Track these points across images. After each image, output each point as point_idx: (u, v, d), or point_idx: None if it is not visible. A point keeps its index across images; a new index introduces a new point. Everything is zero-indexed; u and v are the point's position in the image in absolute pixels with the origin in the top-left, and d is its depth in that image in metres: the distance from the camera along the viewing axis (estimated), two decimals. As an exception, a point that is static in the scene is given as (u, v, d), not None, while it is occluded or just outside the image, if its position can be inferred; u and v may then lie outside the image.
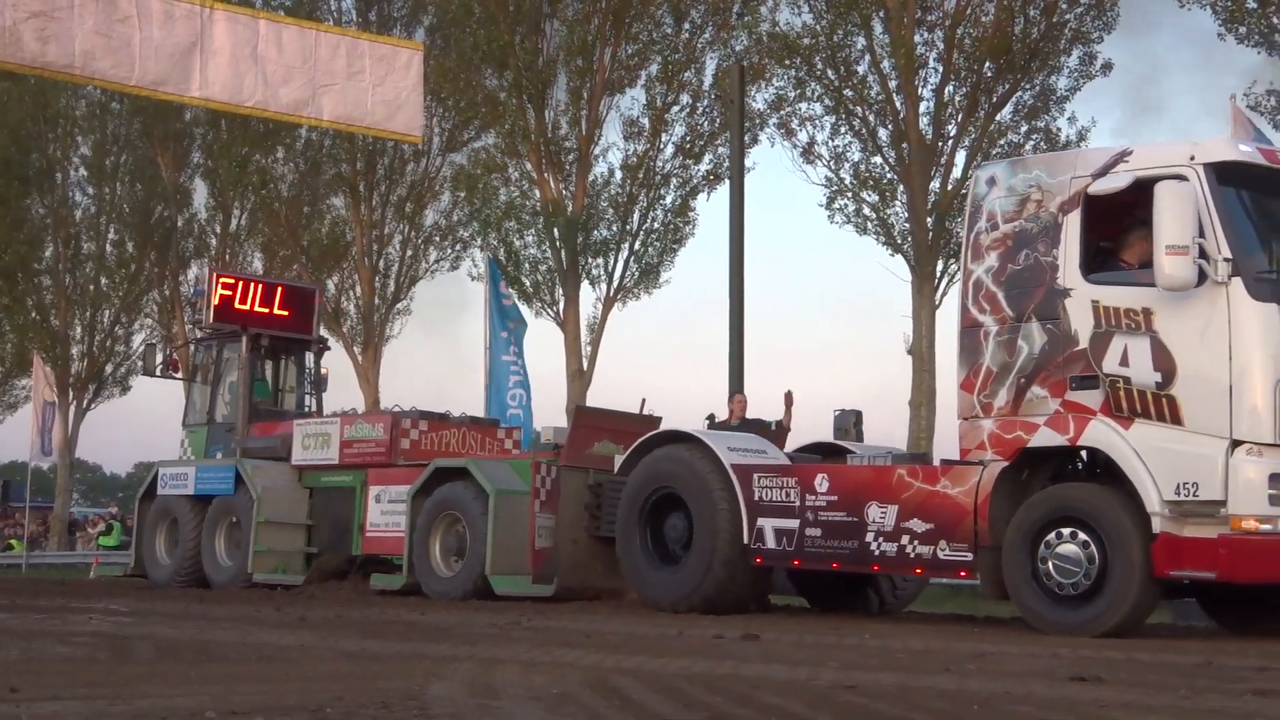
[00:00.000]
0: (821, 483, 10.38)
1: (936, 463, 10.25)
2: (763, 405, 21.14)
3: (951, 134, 22.76)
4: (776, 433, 13.28)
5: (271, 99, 13.28)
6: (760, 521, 10.66)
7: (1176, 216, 8.46)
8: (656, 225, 26.83)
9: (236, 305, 16.98)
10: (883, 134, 23.02)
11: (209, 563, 15.91)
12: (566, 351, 26.30)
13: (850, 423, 13.18)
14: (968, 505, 9.50)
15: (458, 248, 31.14)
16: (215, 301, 16.90)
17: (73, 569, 26.82)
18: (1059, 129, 22.90)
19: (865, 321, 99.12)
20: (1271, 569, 8.43)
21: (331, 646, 7.82)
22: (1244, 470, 8.38)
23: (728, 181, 20.94)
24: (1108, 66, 22.74)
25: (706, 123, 26.40)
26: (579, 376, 26.08)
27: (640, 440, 11.66)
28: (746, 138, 22.19)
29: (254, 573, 15.19)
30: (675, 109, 26.31)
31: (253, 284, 17.49)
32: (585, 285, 26.57)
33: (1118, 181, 9.08)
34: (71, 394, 35.19)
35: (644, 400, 13.70)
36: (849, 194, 23.29)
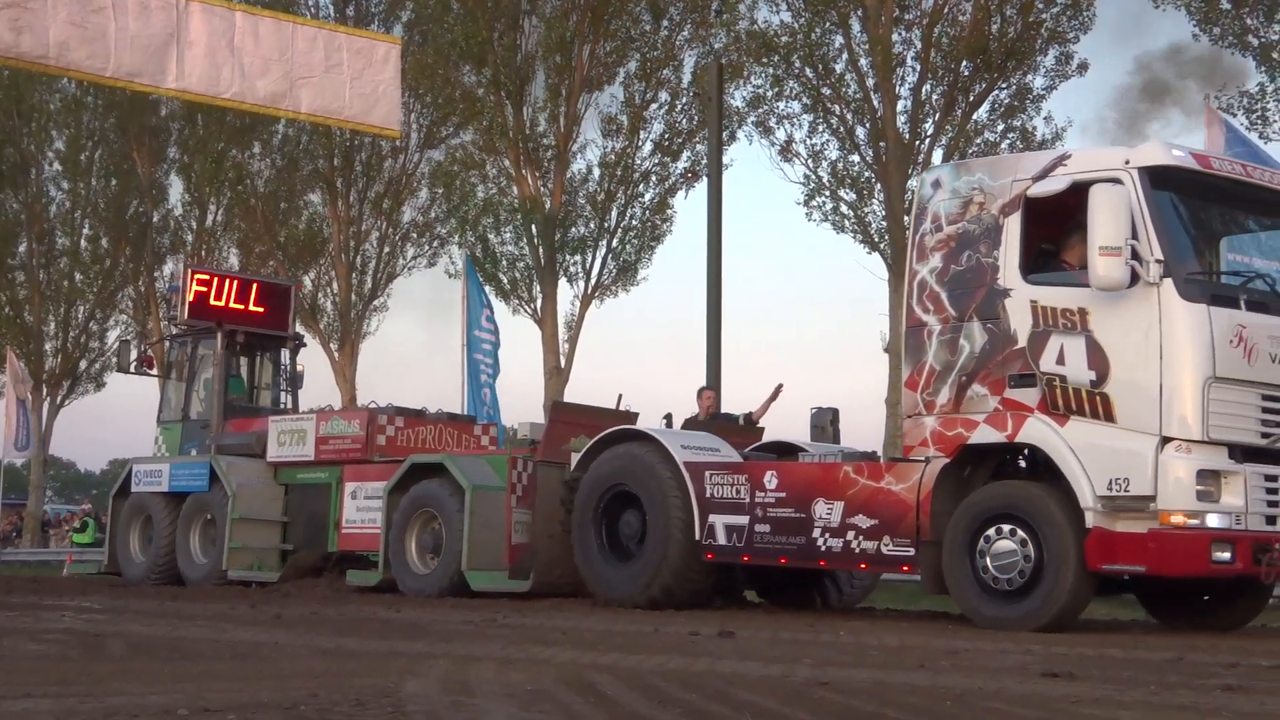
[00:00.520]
0: (770, 480, 10.46)
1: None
2: (742, 402, 21.15)
3: (929, 133, 22.88)
4: (745, 427, 13.29)
5: (249, 91, 13.20)
6: (711, 518, 10.72)
7: (1110, 218, 8.61)
8: (634, 222, 26.89)
9: (212, 301, 16.90)
10: (860, 132, 23.11)
11: (183, 560, 15.83)
12: (544, 348, 26.29)
13: (827, 420, 13.15)
14: (911, 501, 9.60)
15: (435, 244, 31.12)
16: (190, 298, 16.81)
17: (46, 566, 26.64)
18: (1035, 128, 23.08)
19: (843, 319, 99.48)
20: (1198, 562, 8.58)
21: (306, 644, 7.79)
22: (1173, 467, 8.55)
23: (705, 179, 20.99)
24: (1084, 66, 22.90)
25: (685, 120, 26.48)
26: (556, 373, 26.07)
27: (596, 438, 11.68)
28: (725, 135, 22.24)
29: (229, 570, 15.12)
30: (653, 106, 26.37)
31: (228, 280, 17.41)
32: (563, 282, 26.60)
33: (1056, 184, 9.20)
34: (45, 390, 34.98)
35: (620, 396, 13.71)
36: (827, 192, 23.38)
